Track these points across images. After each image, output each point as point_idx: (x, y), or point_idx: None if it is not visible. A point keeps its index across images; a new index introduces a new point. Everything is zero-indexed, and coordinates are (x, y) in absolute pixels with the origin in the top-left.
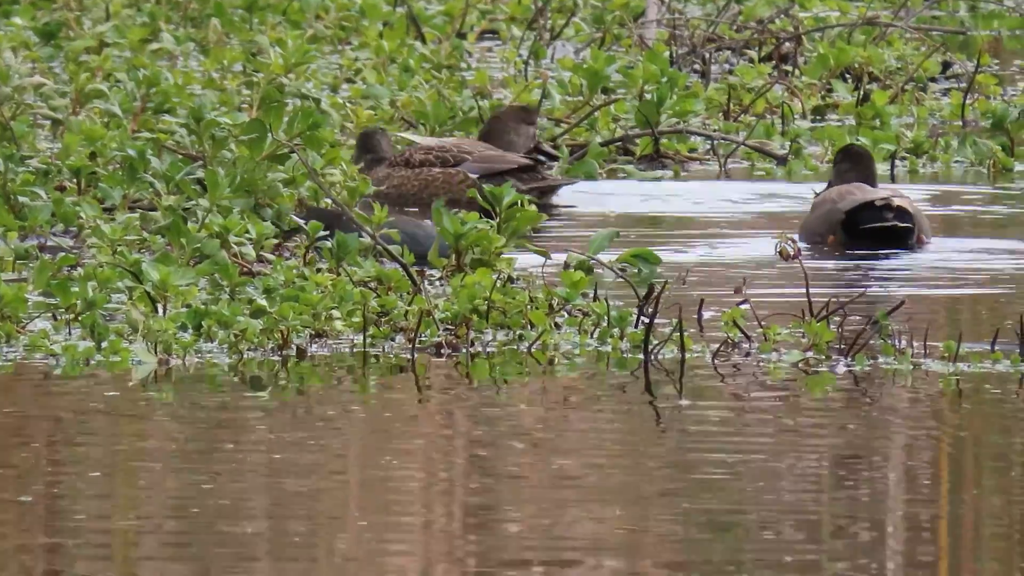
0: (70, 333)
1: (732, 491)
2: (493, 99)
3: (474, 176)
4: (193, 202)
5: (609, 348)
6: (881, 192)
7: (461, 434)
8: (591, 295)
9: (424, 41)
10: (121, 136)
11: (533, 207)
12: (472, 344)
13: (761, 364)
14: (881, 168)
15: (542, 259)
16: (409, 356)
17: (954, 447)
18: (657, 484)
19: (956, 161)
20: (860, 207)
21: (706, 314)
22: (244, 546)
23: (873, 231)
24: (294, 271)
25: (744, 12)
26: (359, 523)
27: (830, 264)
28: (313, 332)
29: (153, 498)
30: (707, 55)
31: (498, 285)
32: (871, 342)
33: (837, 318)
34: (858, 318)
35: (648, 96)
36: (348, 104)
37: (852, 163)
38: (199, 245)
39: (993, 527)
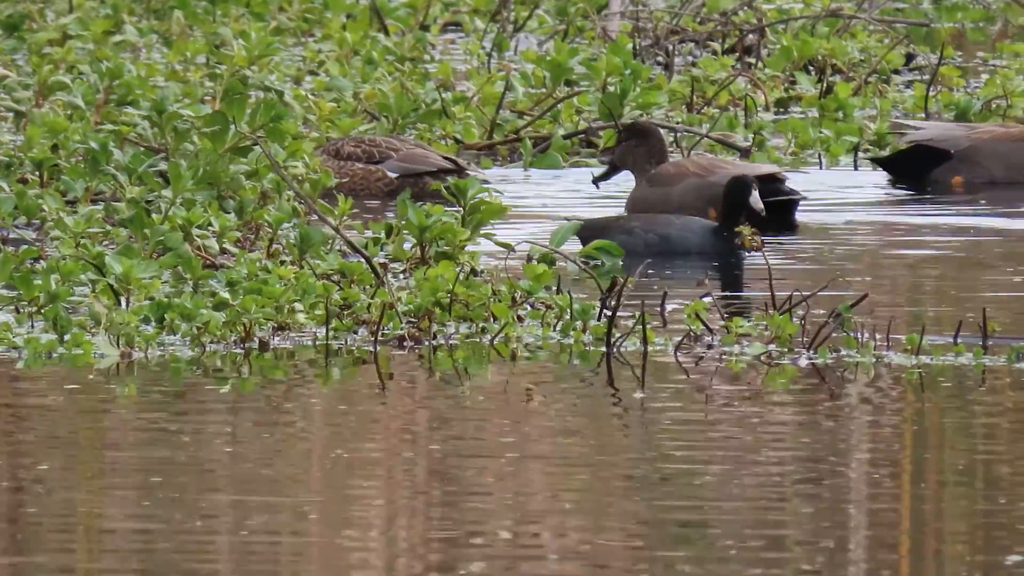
0: (33, 326)
1: (692, 486)
2: (456, 91)
3: (393, 175)
4: (156, 194)
5: (572, 341)
6: (763, 166)
7: (422, 431)
8: (554, 288)
9: (387, 33)
10: (84, 128)
11: (499, 200)
12: (435, 337)
13: (724, 357)
14: (844, 160)
15: (504, 251)
16: (372, 349)
17: (917, 439)
18: (619, 479)
19: None
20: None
21: (669, 307)
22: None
23: (768, 204)
24: (257, 264)
25: (707, 4)
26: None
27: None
28: (276, 325)
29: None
30: (670, 47)
31: (461, 278)
32: (834, 335)
33: (800, 311)
34: (822, 311)
35: (611, 88)
36: (311, 96)
37: (640, 139)
38: (162, 238)
39: (957, 523)
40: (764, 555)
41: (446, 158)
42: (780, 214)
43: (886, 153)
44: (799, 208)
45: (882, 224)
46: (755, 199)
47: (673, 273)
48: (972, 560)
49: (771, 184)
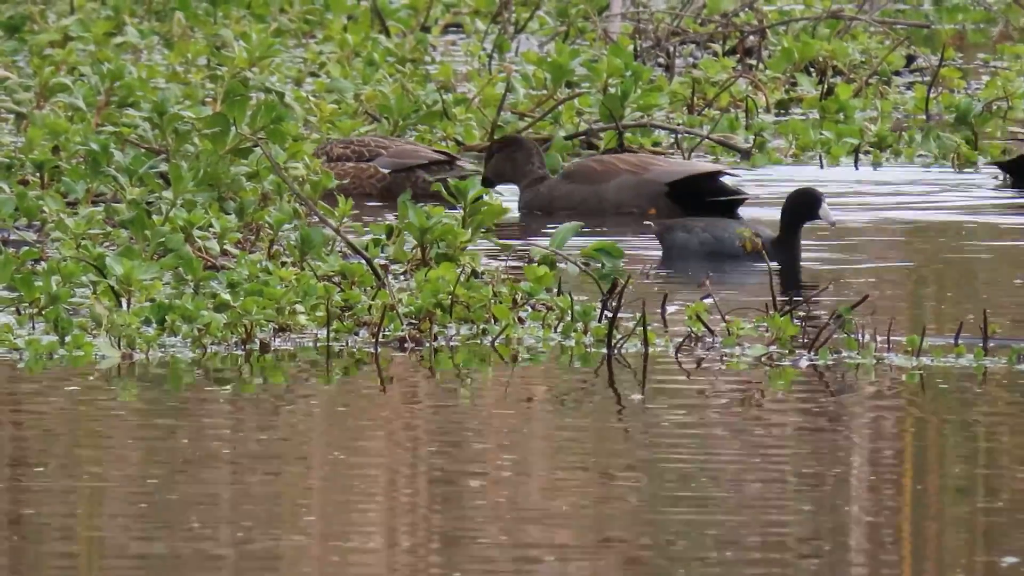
0: (34, 327)
1: (696, 490)
2: (457, 93)
3: (385, 171)
4: (157, 196)
5: (573, 342)
6: (702, 164)
7: (422, 431)
8: (555, 289)
9: (388, 35)
10: (85, 130)
11: (499, 201)
12: (435, 338)
13: (724, 358)
14: (845, 162)
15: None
16: (373, 350)
17: (918, 440)
18: (619, 479)
19: (920, 155)
20: (690, 179)
21: (670, 308)
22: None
23: (713, 203)
24: (258, 265)
25: (708, 6)
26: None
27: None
28: (277, 326)
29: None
30: (671, 49)
31: (462, 279)
32: (834, 336)
33: (801, 312)
34: (822, 313)
35: (612, 90)
36: (312, 98)
37: (512, 150)
38: (163, 239)
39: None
40: (765, 557)
41: (436, 151)
42: (722, 213)
43: (1010, 157)
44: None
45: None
46: (825, 211)
47: (706, 274)
48: (968, 562)
49: (715, 182)
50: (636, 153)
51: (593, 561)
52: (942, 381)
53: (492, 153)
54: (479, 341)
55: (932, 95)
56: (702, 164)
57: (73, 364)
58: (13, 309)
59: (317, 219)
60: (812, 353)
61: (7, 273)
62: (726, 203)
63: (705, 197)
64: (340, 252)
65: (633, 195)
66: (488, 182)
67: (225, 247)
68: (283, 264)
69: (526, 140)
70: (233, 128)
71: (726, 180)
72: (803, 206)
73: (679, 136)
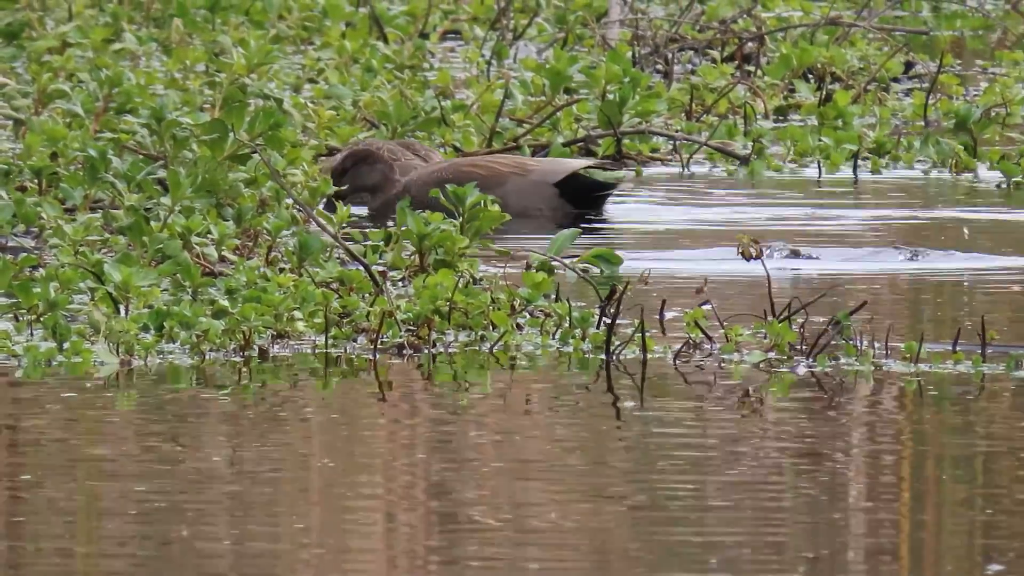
0: (32, 334)
1: (691, 497)
2: (455, 99)
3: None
4: (155, 202)
5: (571, 349)
6: (571, 161)
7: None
8: (553, 296)
9: (386, 41)
10: (83, 136)
11: (496, 207)
12: (434, 345)
13: (723, 365)
14: (844, 169)
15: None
16: (371, 357)
17: (915, 448)
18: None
19: (918, 161)
20: (573, 175)
21: (668, 315)
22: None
23: (601, 196)
24: (256, 272)
25: (707, 12)
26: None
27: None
28: (275, 333)
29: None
30: (670, 55)
31: (460, 286)
32: (832, 342)
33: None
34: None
35: (610, 96)
36: (310, 104)
37: (362, 162)
38: (161, 245)
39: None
40: (763, 565)
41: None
42: (591, 204)
43: None
44: None
45: None
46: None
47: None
48: (961, 569)
49: (588, 176)
50: (492, 153)
51: (586, 571)
52: (940, 387)
53: (345, 170)
54: (477, 347)
55: (931, 101)
56: (571, 161)
57: (72, 371)
58: (11, 315)
59: (315, 225)
60: (810, 359)
61: (5, 279)
62: (595, 196)
63: (592, 192)
64: (338, 259)
65: (533, 197)
66: (342, 197)
67: (223, 253)
68: (281, 270)
69: (372, 152)
70: (231, 134)
71: (594, 171)
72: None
73: (677, 143)
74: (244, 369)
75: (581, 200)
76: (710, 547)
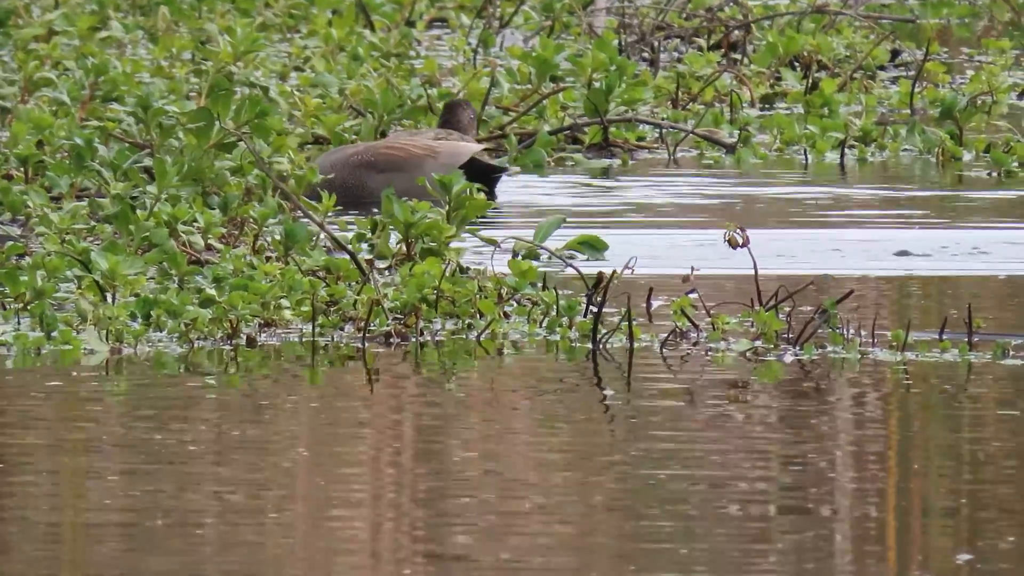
0: (19, 323)
1: (680, 491)
2: (442, 87)
3: None
4: (141, 191)
5: (558, 337)
6: (472, 145)
7: (409, 423)
8: (540, 284)
9: (373, 29)
10: (69, 124)
11: (482, 195)
12: (421, 333)
13: (709, 353)
14: (830, 156)
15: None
16: (358, 345)
17: (902, 437)
18: (607, 481)
19: (904, 149)
20: (472, 159)
21: (655, 303)
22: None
23: (493, 179)
24: (243, 260)
25: (693, 0)
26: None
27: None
28: (262, 321)
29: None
30: (656, 43)
31: (447, 274)
32: (819, 331)
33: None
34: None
35: (597, 84)
36: (296, 92)
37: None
38: (147, 234)
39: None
40: (750, 558)
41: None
42: (487, 184)
43: None
44: None
45: None
46: None
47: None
48: (926, 558)
49: (480, 161)
50: (388, 136)
51: (576, 558)
52: (927, 375)
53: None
54: (464, 336)
55: (917, 90)
56: (468, 144)
57: (61, 360)
58: None
59: (301, 214)
60: (797, 348)
61: None
62: (494, 179)
63: (487, 174)
64: (324, 247)
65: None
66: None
67: (209, 242)
68: (268, 259)
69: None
70: (217, 123)
71: (483, 155)
72: None
73: (664, 131)
74: (232, 357)
75: (478, 181)
76: (689, 534)
